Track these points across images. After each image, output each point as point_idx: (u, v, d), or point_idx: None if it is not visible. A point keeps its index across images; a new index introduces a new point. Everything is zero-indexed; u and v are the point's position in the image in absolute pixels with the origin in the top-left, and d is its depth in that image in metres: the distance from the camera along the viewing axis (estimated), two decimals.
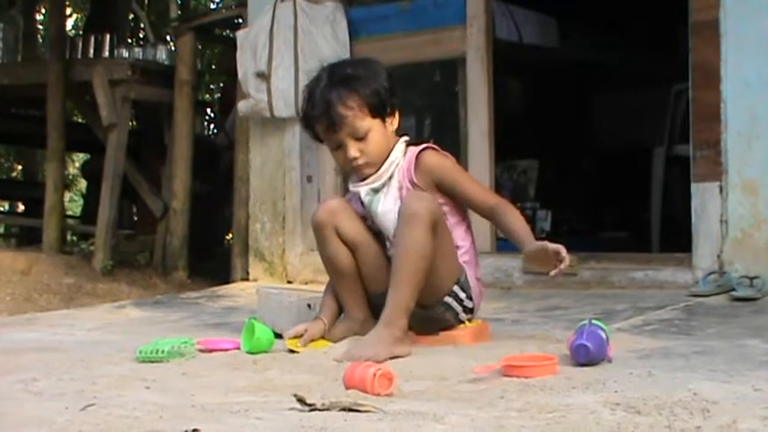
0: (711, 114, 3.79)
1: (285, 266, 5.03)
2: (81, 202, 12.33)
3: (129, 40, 9.89)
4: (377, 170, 2.68)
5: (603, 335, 2.29)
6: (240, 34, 5.15)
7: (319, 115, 2.65)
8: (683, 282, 3.84)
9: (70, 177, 13.33)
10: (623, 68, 6.74)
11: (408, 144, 2.75)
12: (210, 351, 2.61)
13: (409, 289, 2.49)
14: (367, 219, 2.76)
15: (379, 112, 2.64)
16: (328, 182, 5.04)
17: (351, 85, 2.62)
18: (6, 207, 12.09)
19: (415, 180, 2.66)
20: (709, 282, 3.67)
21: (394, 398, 1.93)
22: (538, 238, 2.54)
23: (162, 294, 5.15)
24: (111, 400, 1.93)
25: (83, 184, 12.31)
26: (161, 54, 6.21)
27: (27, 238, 8.19)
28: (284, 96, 4.88)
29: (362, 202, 2.74)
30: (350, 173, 2.80)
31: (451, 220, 2.69)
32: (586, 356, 2.23)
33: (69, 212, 11.11)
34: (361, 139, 2.63)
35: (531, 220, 5.66)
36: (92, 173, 7.36)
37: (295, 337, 2.63)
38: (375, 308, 2.67)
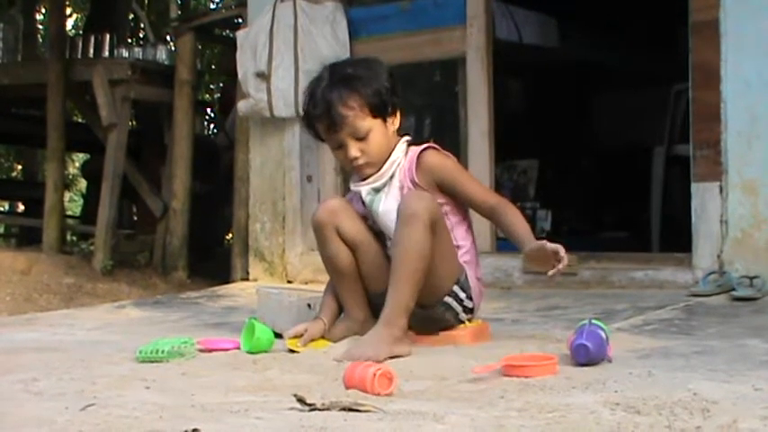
0: (711, 114, 3.79)
1: (285, 266, 5.03)
2: (81, 202, 12.32)
3: (129, 40, 9.88)
4: (378, 170, 2.68)
5: (603, 335, 2.29)
6: (240, 34, 5.14)
7: (320, 115, 2.65)
8: (683, 282, 3.84)
9: (70, 177, 13.32)
10: (623, 68, 6.73)
11: (410, 144, 2.75)
12: (210, 351, 2.61)
13: (409, 289, 2.49)
14: (368, 218, 2.76)
15: (379, 111, 2.64)
16: (328, 182, 5.04)
17: (352, 85, 2.62)
18: (6, 207, 12.08)
19: (417, 180, 2.66)
20: (710, 282, 3.67)
21: (394, 398, 1.93)
22: (538, 238, 2.54)
23: (162, 294, 5.14)
24: (111, 400, 1.93)
25: (83, 184, 12.30)
26: (161, 54, 6.21)
27: (27, 238, 8.18)
28: (284, 96, 4.88)
29: (363, 202, 2.74)
30: (351, 172, 2.80)
31: (452, 220, 2.69)
32: (586, 356, 2.23)
33: (69, 212, 11.10)
34: (361, 138, 2.63)
35: (531, 220, 5.64)
36: (92, 173, 7.36)
37: (295, 336, 2.63)
38: (375, 308, 2.66)
